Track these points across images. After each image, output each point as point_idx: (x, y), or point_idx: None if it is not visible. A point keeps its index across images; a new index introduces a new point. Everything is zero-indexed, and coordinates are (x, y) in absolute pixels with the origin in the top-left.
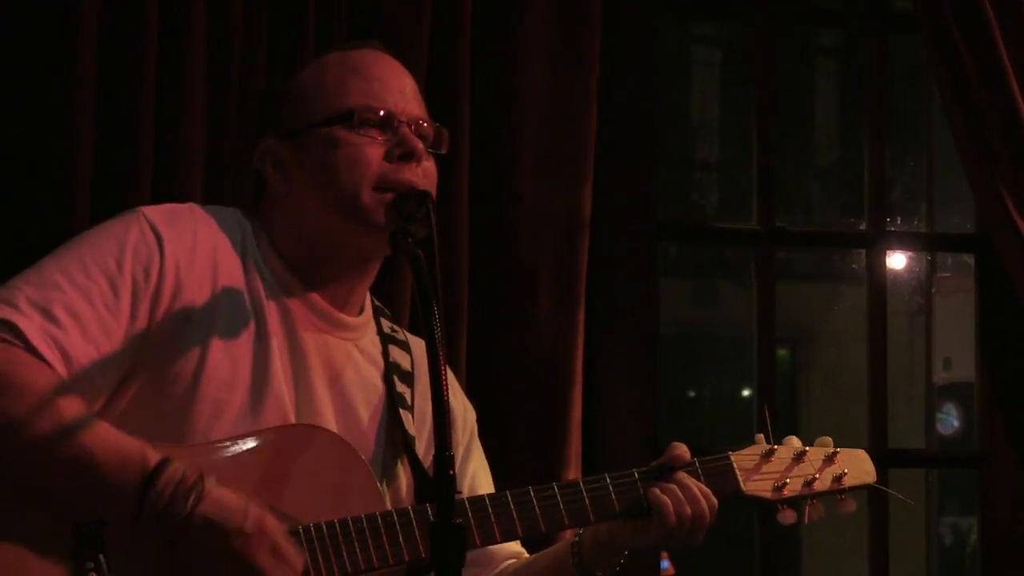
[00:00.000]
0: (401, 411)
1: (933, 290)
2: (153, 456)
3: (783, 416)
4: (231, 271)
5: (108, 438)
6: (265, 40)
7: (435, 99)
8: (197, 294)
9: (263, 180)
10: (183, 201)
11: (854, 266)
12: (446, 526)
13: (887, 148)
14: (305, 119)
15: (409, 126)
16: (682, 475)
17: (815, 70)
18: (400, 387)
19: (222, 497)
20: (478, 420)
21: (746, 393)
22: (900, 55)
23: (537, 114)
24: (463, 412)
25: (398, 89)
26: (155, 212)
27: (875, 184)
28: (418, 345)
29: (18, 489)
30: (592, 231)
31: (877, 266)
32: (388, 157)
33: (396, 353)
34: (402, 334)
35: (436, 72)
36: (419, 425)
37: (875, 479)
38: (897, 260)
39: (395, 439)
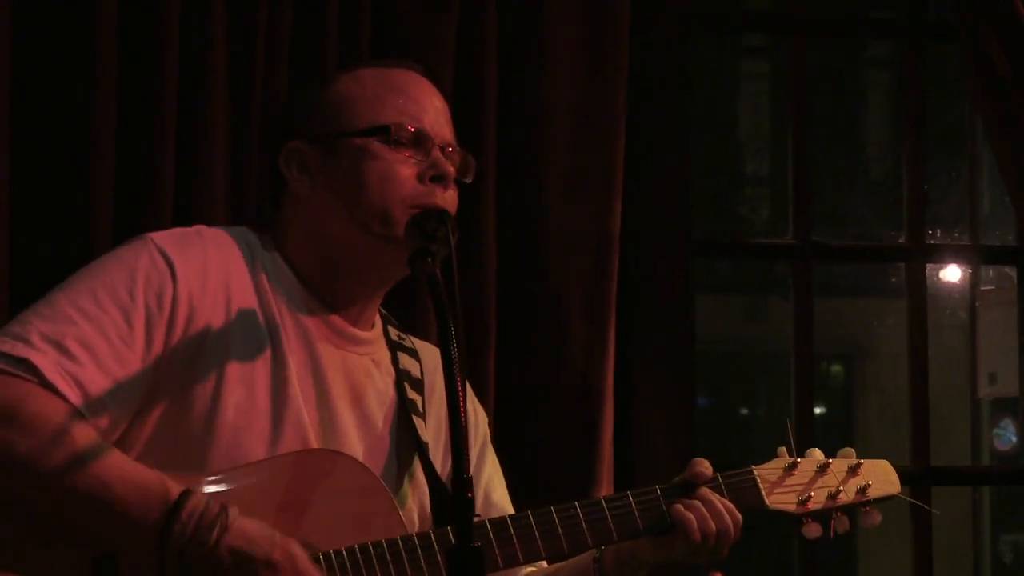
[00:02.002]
0: (414, 418)
1: (977, 303)
2: (175, 488)
3: (839, 434)
4: (244, 293)
5: (126, 470)
6: (286, 62)
7: (460, 116)
8: (211, 319)
9: (282, 184)
10: (206, 209)
11: (894, 280)
12: (463, 549)
13: (936, 160)
14: (339, 127)
15: (441, 149)
16: (705, 490)
17: (866, 81)
18: (411, 394)
19: (247, 527)
20: (506, 442)
21: None
22: (953, 66)
23: (564, 130)
24: (473, 419)
25: (433, 111)
26: (164, 238)
27: (914, 196)
28: (427, 351)
29: (35, 522)
30: (623, 249)
31: (917, 280)
32: (420, 178)
33: (405, 361)
34: (410, 341)
35: (462, 88)
36: (434, 431)
37: (899, 490)
38: (951, 273)
39: (410, 446)
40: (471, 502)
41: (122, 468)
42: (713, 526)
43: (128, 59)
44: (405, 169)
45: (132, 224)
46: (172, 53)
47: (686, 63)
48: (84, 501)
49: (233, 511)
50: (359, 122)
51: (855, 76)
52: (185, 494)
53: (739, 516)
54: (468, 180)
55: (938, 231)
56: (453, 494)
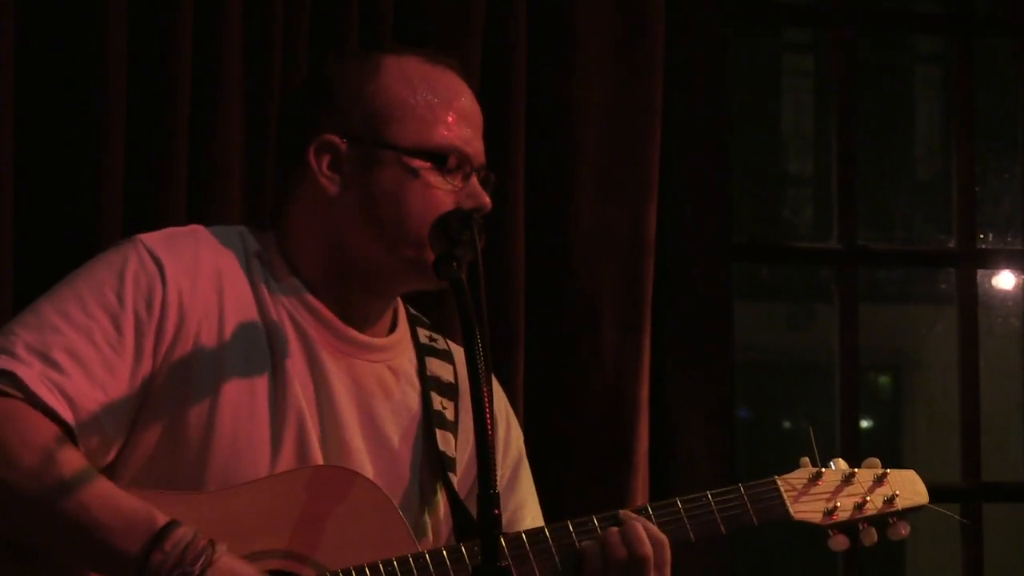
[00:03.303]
0: (438, 431)
1: None
2: (160, 518)
3: (886, 448)
4: (240, 295)
5: (110, 497)
6: (305, 51)
7: (488, 112)
8: (203, 323)
9: (303, 173)
10: (221, 208)
11: (944, 286)
12: (490, 570)
13: (987, 160)
14: (387, 136)
15: (477, 173)
16: (627, 515)
17: (915, 78)
18: (439, 403)
19: (234, 567)
20: (536, 453)
21: None
22: (1006, 61)
23: (596, 127)
24: (505, 435)
25: (477, 131)
26: (153, 238)
27: (964, 198)
28: (461, 353)
29: (22, 548)
30: (659, 253)
31: (967, 286)
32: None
33: (435, 366)
34: (443, 342)
35: (489, 86)
36: (463, 443)
37: (927, 500)
38: (1004, 279)
39: (432, 462)
40: (498, 519)
41: (106, 494)
42: (622, 553)
43: (139, 46)
44: (447, 198)
45: (141, 220)
46: (185, 37)
47: (725, 56)
48: (66, 527)
49: (221, 547)
50: (410, 138)
51: (903, 72)
52: (171, 525)
53: (662, 538)
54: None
55: (990, 235)
56: (479, 510)
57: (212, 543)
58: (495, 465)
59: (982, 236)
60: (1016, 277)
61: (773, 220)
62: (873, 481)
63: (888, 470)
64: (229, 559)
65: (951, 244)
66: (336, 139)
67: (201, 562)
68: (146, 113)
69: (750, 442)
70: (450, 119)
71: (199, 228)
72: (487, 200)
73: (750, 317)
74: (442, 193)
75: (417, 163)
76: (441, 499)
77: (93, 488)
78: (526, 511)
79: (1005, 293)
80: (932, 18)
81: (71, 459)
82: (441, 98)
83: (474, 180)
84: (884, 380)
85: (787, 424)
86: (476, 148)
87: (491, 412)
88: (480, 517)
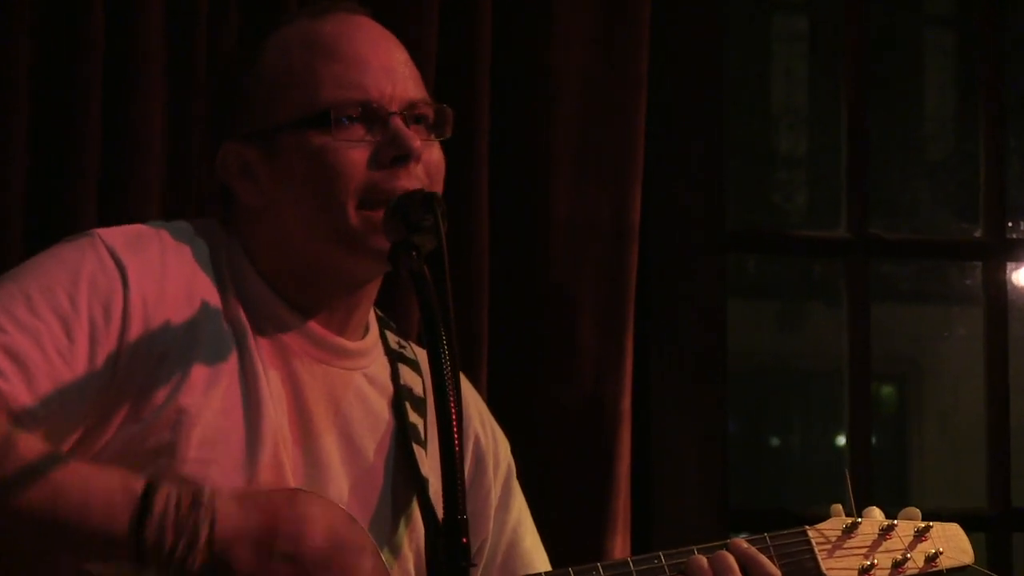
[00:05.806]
0: (415, 446)
1: None
2: (137, 483)
3: (890, 468)
4: (208, 302)
5: (83, 473)
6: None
7: (448, 84)
8: (170, 334)
9: (228, 192)
10: (136, 197)
11: (968, 282)
12: None
13: (1012, 139)
14: (273, 118)
15: (401, 114)
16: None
17: (924, 43)
18: (413, 416)
19: (233, 507)
20: None
21: (842, 441)
22: None
23: (573, 101)
24: (493, 447)
25: (382, 68)
26: (115, 236)
27: (992, 182)
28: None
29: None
30: (643, 242)
31: (996, 282)
32: (377, 162)
33: (407, 375)
34: (410, 350)
35: (449, 51)
36: (433, 460)
37: (973, 559)
38: None
39: (408, 480)
40: (466, 548)
41: (78, 472)
42: None
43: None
44: (355, 155)
45: (48, 203)
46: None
47: (720, 19)
48: (42, 518)
49: (207, 491)
50: (292, 110)
51: (911, 37)
52: (151, 487)
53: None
54: (446, 136)
55: (1021, 223)
56: (444, 539)
57: (200, 490)
58: (463, 487)
59: (1010, 225)
60: None
61: (762, 206)
62: (914, 535)
63: (931, 523)
64: (225, 501)
65: (977, 234)
66: (235, 145)
67: (202, 517)
68: (53, 84)
69: (734, 461)
70: (334, 68)
71: (163, 226)
72: (411, 143)
73: (734, 317)
74: (349, 154)
75: (307, 134)
76: (417, 518)
77: (59, 468)
78: (524, 529)
79: None
80: None
81: (27, 442)
82: (320, 48)
83: (395, 124)
84: (887, 390)
85: (775, 441)
86: (383, 88)
87: (459, 427)
88: (446, 548)
